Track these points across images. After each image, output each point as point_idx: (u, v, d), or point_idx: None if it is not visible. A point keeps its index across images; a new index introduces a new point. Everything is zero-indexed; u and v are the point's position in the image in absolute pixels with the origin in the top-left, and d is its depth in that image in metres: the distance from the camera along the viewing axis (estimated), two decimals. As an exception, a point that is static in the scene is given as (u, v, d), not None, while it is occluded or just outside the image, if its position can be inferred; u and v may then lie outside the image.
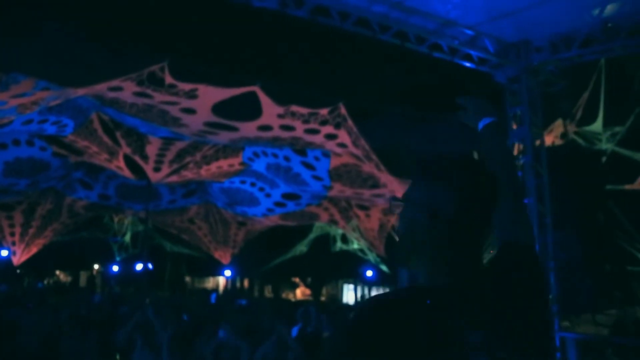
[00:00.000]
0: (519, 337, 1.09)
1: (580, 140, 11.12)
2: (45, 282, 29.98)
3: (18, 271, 20.56)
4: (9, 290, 17.37)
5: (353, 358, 1.01)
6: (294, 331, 8.18)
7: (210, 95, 6.65)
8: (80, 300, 15.77)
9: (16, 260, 14.86)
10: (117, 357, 5.96)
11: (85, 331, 6.54)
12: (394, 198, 1.34)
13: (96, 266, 31.71)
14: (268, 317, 6.53)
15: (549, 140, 10.44)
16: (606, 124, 10.83)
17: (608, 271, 13.79)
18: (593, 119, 10.82)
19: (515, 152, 6.32)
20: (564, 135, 11.14)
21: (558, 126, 11.24)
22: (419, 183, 1.24)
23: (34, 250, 14.91)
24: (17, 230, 14.41)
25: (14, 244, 14.57)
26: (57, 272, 33.28)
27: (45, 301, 15.24)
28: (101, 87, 6.30)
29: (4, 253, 15.98)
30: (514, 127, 6.27)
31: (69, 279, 33.43)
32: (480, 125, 1.51)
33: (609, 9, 5.48)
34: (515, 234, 1.30)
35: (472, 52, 6.15)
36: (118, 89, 6.34)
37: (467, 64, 6.31)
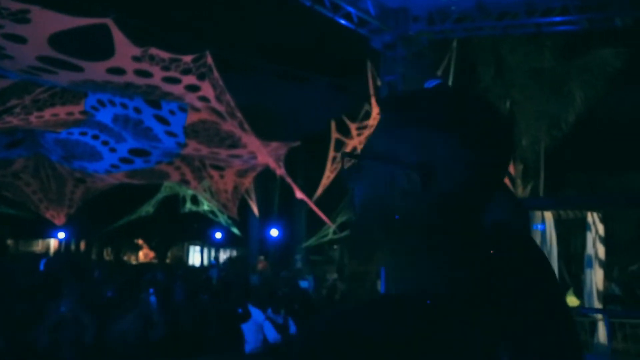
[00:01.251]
0: (551, 347, 0.77)
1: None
2: None
3: None
4: None
5: None
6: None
7: (48, 21, 5.46)
8: None
9: None
10: None
11: None
12: (346, 153, 0.91)
13: None
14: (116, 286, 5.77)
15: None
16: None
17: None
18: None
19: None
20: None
21: None
22: (402, 128, 0.78)
23: None
24: None
25: None
26: None
27: None
28: None
29: None
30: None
31: None
32: (427, 86, 1.16)
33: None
34: (506, 215, 0.97)
35: (353, 11, 5.93)
36: None
37: (346, 23, 6.09)
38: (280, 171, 9.61)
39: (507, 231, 0.93)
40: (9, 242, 30.17)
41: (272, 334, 6.12)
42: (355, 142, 14.18)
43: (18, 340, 4.88)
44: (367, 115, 12.88)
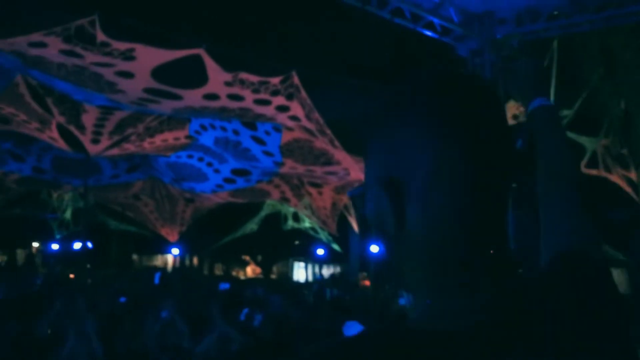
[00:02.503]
0: None
1: (529, 123, 11.11)
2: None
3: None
4: None
5: None
6: (242, 315, 7.79)
7: (149, 57, 5.99)
8: (17, 281, 14.81)
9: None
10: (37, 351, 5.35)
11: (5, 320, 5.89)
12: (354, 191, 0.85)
13: (35, 244, 30.18)
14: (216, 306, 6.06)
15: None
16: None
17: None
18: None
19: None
20: (515, 117, 11.10)
21: (510, 107, 11.18)
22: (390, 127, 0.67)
23: (-41, 227, 13.78)
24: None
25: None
26: (-9, 251, 31.46)
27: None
28: (20, 41, 5.52)
29: None
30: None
31: (4, 258, 31.64)
32: (532, 106, 1.08)
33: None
34: (578, 242, 0.83)
35: (436, 20, 5.78)
36: (41, 44, 5.58)
37: (430, 33, 5.95)
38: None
39: (574, 257, 0.77)
40: (134, 257, 33.09)
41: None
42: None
43: (126, 347, 5.33)
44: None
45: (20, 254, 31.21)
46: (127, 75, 6.54)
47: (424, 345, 0.58)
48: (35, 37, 5.34)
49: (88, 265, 18.29)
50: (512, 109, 11.45)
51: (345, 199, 14.95)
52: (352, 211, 16.27)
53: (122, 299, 10.10)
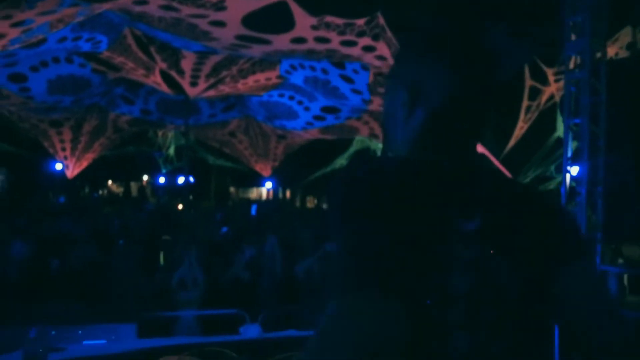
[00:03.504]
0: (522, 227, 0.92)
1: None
2: (100, 192, 31.61)
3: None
4: (66, 202, 18.45)
5: (346, 209, 0.87)
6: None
7: (239, 6, 6.28)
8: (132, 210, 16.63)
9: (69, 173, 15.56)
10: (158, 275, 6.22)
11: (132, 245, 6.87)
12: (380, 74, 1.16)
13: (145, 177, 33.05)
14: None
15: (612, 51, 9.45)
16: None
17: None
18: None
19: (572, 66, 5.76)
20: (631, 46, 10.03)
21: (625, 35, 10.08)
22: (404, 56, 1.03)
23: (84, 164, 15.52)
24: (68, 145, 14.93)
25: (65, 158, 15.17)
26: (110, 183, 34.98)
27: (100, 211, 16.14)
28: (125, 1, 6.03)
29: (59, 167, 16.70)
30: (573, 38, 5.64)
31: (120, 189, 35.15)
32: None
33: None
34: None
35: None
36: (143, 2, 6.05)
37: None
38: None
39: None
40: (231, 189, 35.30)
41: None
42: (553, 88, 12.89)
43: (223, 276, 6.06)
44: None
45: (133, 186, 34.53)
46: (220, 24, 6.90)
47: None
48: (139, -5, 5.81)
49: (191, 197, 19.91)
50: (625, 37, 10.38)
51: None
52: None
53: (224, 229, 11.11)
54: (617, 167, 5.23)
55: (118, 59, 10.27)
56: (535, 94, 13.37)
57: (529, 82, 13.19)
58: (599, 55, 5.73)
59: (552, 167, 14.34)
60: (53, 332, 2.90)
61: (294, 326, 4.97)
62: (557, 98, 12.69)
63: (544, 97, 13.24)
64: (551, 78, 12.74)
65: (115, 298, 5.06)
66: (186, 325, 5.01)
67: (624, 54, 10.01)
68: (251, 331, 5.14)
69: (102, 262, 5.97)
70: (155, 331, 3.97)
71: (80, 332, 3.16)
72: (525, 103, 13.69)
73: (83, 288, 5.12)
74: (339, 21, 6.80)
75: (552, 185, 14.66)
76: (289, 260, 6.63)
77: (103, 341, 3.21)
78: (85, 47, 9.17)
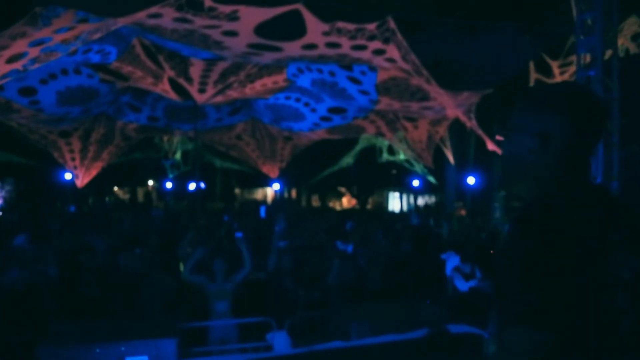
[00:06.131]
0: None
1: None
2: (107, 199, 31.75)
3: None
4: (77, 211, 18.53)
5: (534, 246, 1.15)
6: (349, 249, 8.37)
7: (251, 16, 6.33)
8: (140, 215, 16.71)
9: (79, 182, 15.65)
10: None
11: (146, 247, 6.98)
12: (499, 129, 1.41)
13: (151, 182, 33.18)
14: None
15: (618, 42, 9.38)
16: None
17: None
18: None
19: (583, 64, 5.81)
20: (636, 37, 9.95)
21: (630, 25, 9.95)
22: (529, 110, 1.29)
23: (94, 172, 15.61)
24: (77, 155, 15.03)
25: (75, 167, 15.26)
26: (116, 190, 35.12)
27: (111, 218, 16.21)
28: (141, 15, 6.09)
29: (68, 176, 16.80)
30: (581, 37, 5.70)
31: (127, 196, 35.28)
32: None
33: None
34: None
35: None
36: (158, 15, 6.11)
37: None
38: (471, 123, 9.44)
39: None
40: (237, 191, 35.42)
41: (461, 284, 6.38)
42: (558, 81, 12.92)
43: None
44: (573, 50, 11.57)
45: (139, 191, 34.65)
46: (232, 34, 6.96)
47: None
48: (154, 9, 5.86)
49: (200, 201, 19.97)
50: (631, 27, 10.31)
51: (441, 132, 14.75)
52: (448, 143, 16.05)
53: (239, 234, 11.13)
54: (630, 161, 5.28)
55: (126, 69, 10.33)
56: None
57: (534, 75, 13.21)
58: (610, 53, 5.78)
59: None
60: (123, 348, 2.98)
61: (320, 334, 5.06)
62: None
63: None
64: (556, 71, 12.75)
65: (148, 310, 5.14)
66: (219, 335, 5.12)
67: (628, 44, 9.92)
68: (278, 338, 5.23)
69: (129, 274, 6.06)
70: (193, 342, 4.07)
71: (123, 348, 3.23)
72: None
73: (115, 303, 5.21)
74: (351, 26, 6.86)
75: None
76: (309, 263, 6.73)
77: (145, 357, 3.29)
78: (95, 58, 9.24)
